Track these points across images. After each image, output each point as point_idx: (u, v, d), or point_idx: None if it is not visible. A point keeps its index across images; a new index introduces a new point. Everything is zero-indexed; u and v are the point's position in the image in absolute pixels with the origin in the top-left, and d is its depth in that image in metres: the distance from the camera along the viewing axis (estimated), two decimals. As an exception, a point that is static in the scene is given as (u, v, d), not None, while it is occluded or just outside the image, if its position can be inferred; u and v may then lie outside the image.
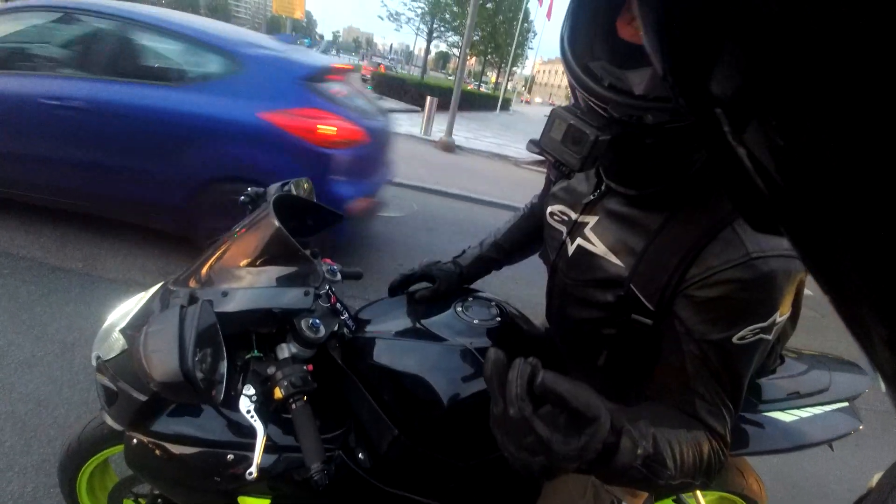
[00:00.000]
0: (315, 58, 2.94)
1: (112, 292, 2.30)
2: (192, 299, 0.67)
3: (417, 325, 0.88)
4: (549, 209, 0.84)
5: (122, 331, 0.77)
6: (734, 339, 0.56)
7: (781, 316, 0.56)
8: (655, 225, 0.63)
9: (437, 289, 0.97)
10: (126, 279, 2.47)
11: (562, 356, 0.89)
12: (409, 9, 22.70)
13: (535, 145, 0.58)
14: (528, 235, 1.08)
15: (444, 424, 0.80)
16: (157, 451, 0.80)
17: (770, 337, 0.57)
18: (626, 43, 0.54)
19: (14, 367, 1.78)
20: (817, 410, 0.99)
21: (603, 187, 0.72)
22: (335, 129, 2.52)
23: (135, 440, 0.81)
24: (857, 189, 0.13)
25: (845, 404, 1.03)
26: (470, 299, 0.95)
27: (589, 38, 0.57)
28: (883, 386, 0.18)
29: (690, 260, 0.58)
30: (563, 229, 0.79)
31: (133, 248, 2.80)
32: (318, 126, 2.48)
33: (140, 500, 1.14)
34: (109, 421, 0.83)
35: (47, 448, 1.49)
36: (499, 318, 0.91)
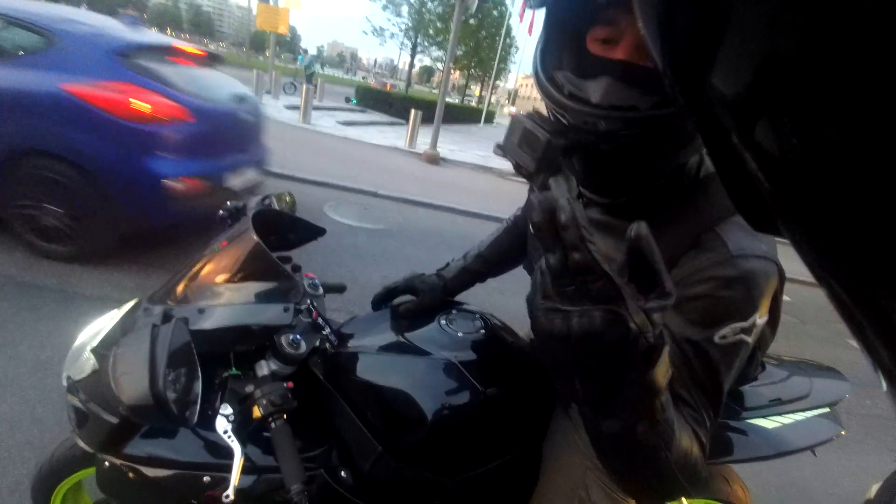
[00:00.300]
0: (140, 34, 2.89)
1: (88, 309, 2.23)
2: (166, 317, 0.66)
3: (401, 340, 0.87)
4: (530, 219, 0.84)
5: (93, 350, 0.74)
6: (716, 339, 0.56)
7: (761, 318, 0.57)
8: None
9: (421, 302, 0.96)
10: (101, 295, 2.40)
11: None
12: (394, 24, 23.01)
13: (499, 149, 0.60)
14: (512, 247, 1.09)
15: (430, 440, 0.79)
16: (131, 474, 0.77)
17: (751, 339, 0.58)
18: (593, 55, 0.57)
19: None
20: (799, 417, 1.00)
21: (583, 199, 0.73)
22: (150, 105, 2.49)
23: (106, 463, 0.77)
24: (871, 187, 0.13)
25: (826, 410, 1.05)
26: (454, 312, 0.94)
27: (558, 49, 0.60)
28: (885, 385, 0.18)
29: (672, 265, 0.59)
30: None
31: (109, 263, 2.72)
32: (131, 100, 2.45)
33: (115, 523, 1.09)
34: (81, 443, 0.79)
35: (21, 469, 1.43)
36: (483, 331, 0.90)
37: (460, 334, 0.87)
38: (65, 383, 0.80)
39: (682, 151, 0.59)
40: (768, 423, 0.97)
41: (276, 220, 0.91)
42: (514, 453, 0.85)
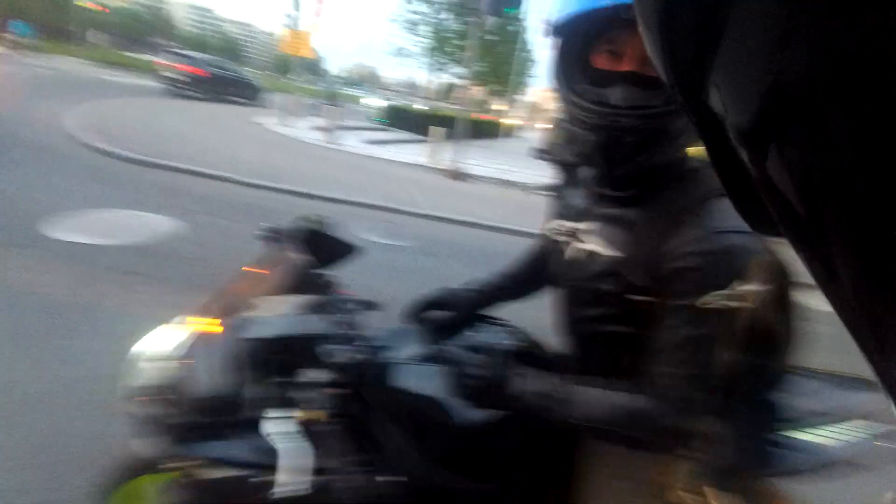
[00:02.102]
0: None
1: (124, 326, 2.35)
2: (219, 328, 0.71)
3: (433, 351, 0.90)
4: (549, 226, 0.91)
5: (149, 360, 0.80)
6: (697, 304, 0.63)
7: (747, 287, 0.61)
8: (635, 218, 0.74)
9: (453, 316, 1.00)
10: (142, 313, 2.52)
11: (577, 374, 0.91)
12: (413, 44, 23.52)
13: (539, 152, 0.69)
14: (542, 266, 1.11)
15: (464, 447, 0.82)
16: (187, 477, 0.82)
17: (736, 305, 0.61)
18: (603, 69, 0.68)
19: (19, 403, 1.80)
20: (836, 429, 0.98)
21: (592, 197, 0.82)
22: None
23: (164, 467, 0.83)
24: (874, 189, 0.13)
25: (865, 422, 1.02)
26: (483, 326, 0.97)
27: (572, 68, 0.71)
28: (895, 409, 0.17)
29: (663, 242, 0.68)
30: (561, 238, 0.87)
31: (143, 283, 2.87)
32: None
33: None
34: (139, 450, 0.85)
35: (74, 481, 1.48)
36: (513, 344, 0.93)
37: (493, 344, 0.91)
38: (122, 392, 0.87)
39: (677, 143, 0.70)
40: (805, 436, 0.95)
41: (310, 240, 0.97)
42: (550, 460, 0.87)
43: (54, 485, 1.50)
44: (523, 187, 8.90)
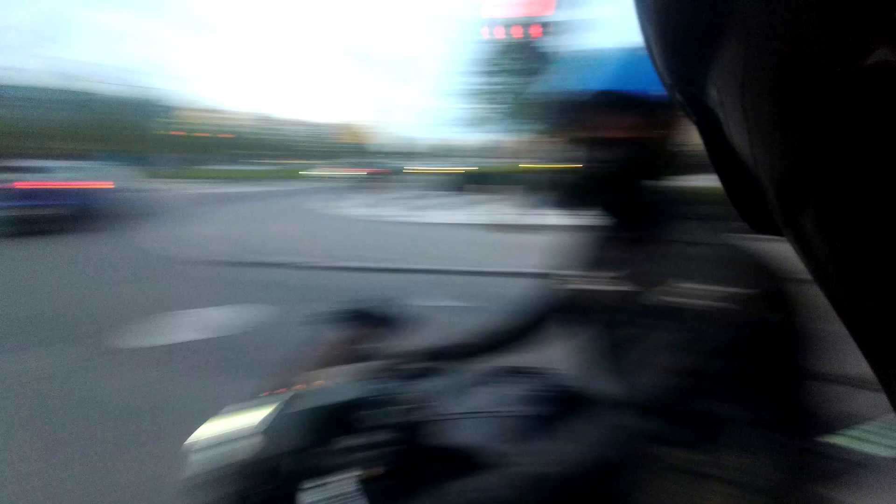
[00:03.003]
0: None
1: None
2: (277, 404, 0.75)
3: (480, 403, 0.89)
4: (576, 275, 0.92)
5: (207, 448, 0.81)
6: (681, 304, 0.64)
7: (731, 287, 0.61)
8: (653, 251, 0.75)
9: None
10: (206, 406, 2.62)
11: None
12: (462, 111, 24.44)
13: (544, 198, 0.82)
14: (548, 314, 1.09)
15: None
16: None
17: (720, 306, 0.61)
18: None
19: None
20: (878, 432, 0.84)
21: (610, 241, 0.84)
22: None
23: None
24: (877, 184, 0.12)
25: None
26: (526, 375, 0.96)
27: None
28: None
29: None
30: (599, 287, 0.85)
31: (223, 375, 3.00)
32: None
33: None
34: None
35: None
36: (559, 391, 0.89)
37: (552, 394, 0.88)
38: (184, 480, 0.87)
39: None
40: (847, 442, 0.83)
41: (377, 316, 1.02)
42: None
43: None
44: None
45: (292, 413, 0.73)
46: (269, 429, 0.64)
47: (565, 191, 0.78)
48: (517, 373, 0.98)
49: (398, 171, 18.89)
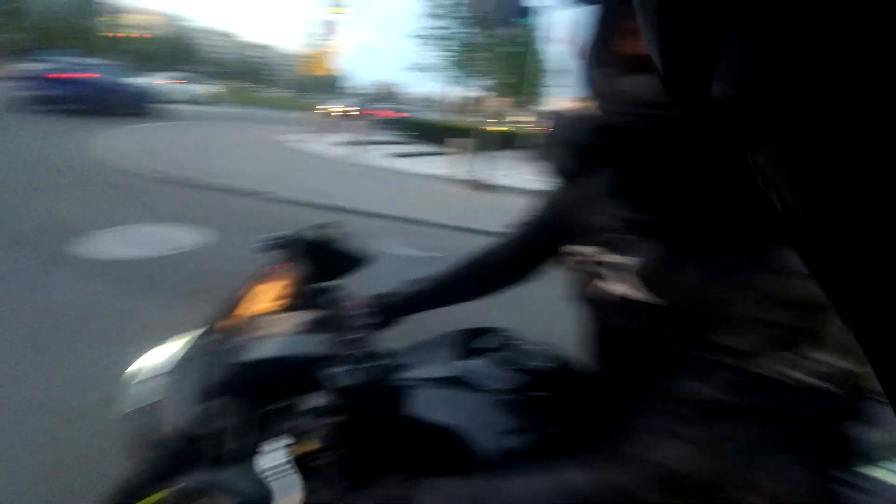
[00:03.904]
0: None
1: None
2: (212, 350, 0.65)
3: (455, 373, 0.81)
4: (573, 248, 0.78)
5: (143, 382, 0.74)
6: (747, 366, 0.50)
7: (827, 357, 0.49)
8: (675, 254, 0.59)
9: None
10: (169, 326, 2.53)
11: (618, 399, 0.81)
12: (432, 58, 23.70)
13: (540, 154, 0.60)
14: (479, 276, 1.02)
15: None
16: None
17: (804, 379, 0.49)
18: (627, 53, 0.55)
19: (72, 412, 1.84)
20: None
21: (615, 220, 0.66)
22: None
23: (162, 493, 0.76)
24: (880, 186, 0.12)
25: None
26: (515, 341, 0.88)
27: (594, 49, 0.59)
28: None
29: (714, 284, 0.54)
30: (586, 270, 0.72)
31: (176, 295, 2.88)
32: None
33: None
34: (129, 473, 0.79)
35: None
36: (547, 364, 0.83)
37: (523, 367, 0.81)
38: (120, 411, 0.81)
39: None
40: (889, 475, 0.82)
41: (326, 248, 0.90)
42: None
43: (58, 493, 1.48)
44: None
45: (228, 363, 0.64)
46: (199, 376, 0.56)
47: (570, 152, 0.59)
48: (500, 341, 0.89)
49: (362, 112, 18.16)
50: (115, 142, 7.80)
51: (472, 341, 0.90)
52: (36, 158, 6.15)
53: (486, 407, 0.75)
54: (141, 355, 0.89)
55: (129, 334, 2.43)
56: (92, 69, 11.33)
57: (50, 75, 10.44)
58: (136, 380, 0.80)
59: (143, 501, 0.99)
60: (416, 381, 0.80)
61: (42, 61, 10.98)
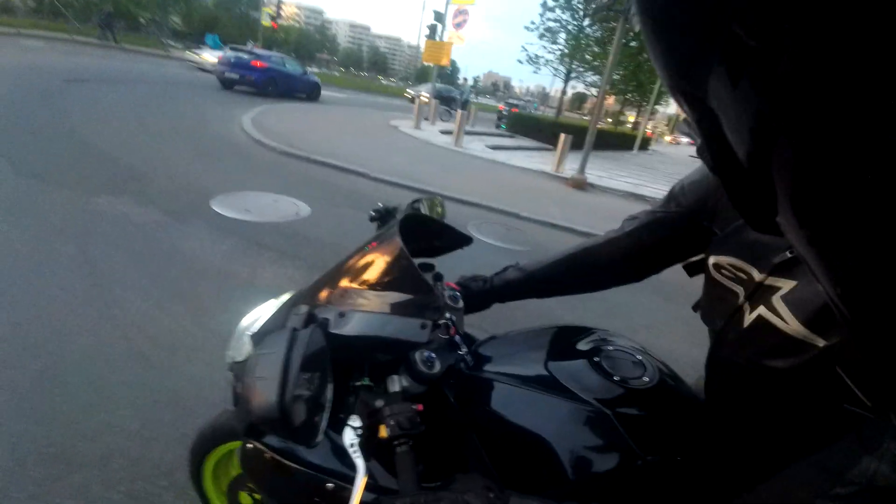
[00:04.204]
0: None
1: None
2: (309, 319, 0.66)
3: (544, 372, 0.75)
4: (716, 260, 0.67)
5: (251, 336, 0.79)
6: None
7: None
8: None
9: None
10: (278, 285, 2.79)
11: (723, 433, 0.69)
12: (549, 51, 23.10)
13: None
14: (584, 271, 0.92)
15: (567, 501, 0.65)
16: (267, 462, 0.79)
17: None
18: None
19: (184, 352, 2.10)
20: None
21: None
22: None
23: (249, 445, 0.81)
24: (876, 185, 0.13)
25: None
26: (610, 348, 0.79)
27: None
28: None
29: None
30: (740, 291, 0.62)
31: (287, 259, 3.16)
32: None
33: (255, 495, 1.17)
34: (234, 420, 0.86)
35: (194, 426, 1.67)
36: (646, 378, 0.73)
37: (616, 378, 0.72)
38: (227, 361, 0.88)
39: None
40: None
41: (424, 225, 0.89)
42: None
43: (177, 422, 1.69)
44: (651, 201, 8.07)
45: (324, 333, 0.64)
46: (298, 342, 0.57)
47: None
48: (597, 343, 0.81)
49: (466, 104, 18.36)
50: (263, 119, 8.78)
51: (569, 340, 0.83)
52: (194, 128, 7.16)
53: (575, 418, 0.69)
54: (251, 309, 0.96)
55: (243, 289, 2.72)
56: (268, 59, 14.06)
57: (252, 62, 13.22)
58: (243, 333, 0.86)
59: (223, 446, 1.08)
60: (506, 376, 0.76)
61: (238, 50, 13.85)
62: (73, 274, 2.57)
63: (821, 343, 0.50)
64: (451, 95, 20.63)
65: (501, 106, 19.10)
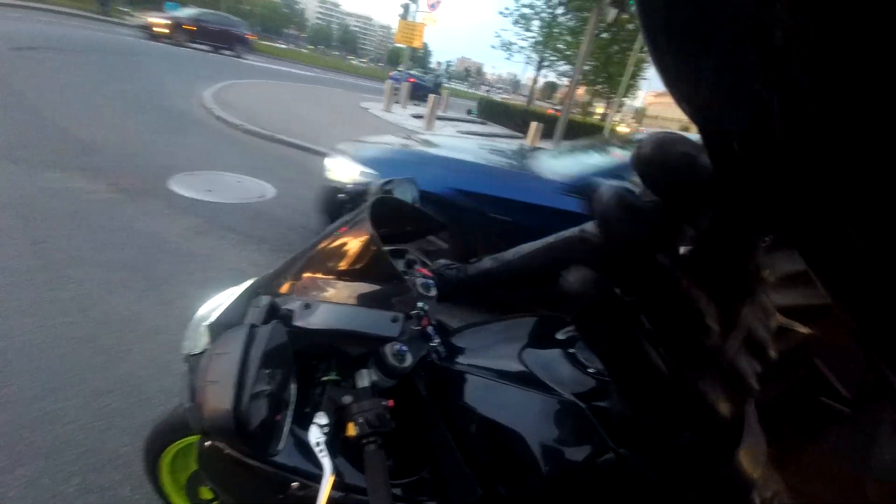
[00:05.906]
0: None
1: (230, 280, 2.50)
2: (270, 311, 0.62)
3: (519, 365, 0.74)
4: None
5: (208, 327, 0.74)
6: None
7: None
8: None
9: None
10: (241, 268, 2.68)
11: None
12: (522, 38, 23.02)
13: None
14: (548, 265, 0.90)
15: (540, 496, 0.65)
16: (227, 460, 0.75)
17: None
18: None
19: (137, 335, 1.99)
20: None
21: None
22: None
23: (207, 442, 0.77)
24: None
25: None
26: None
27: None
28: None
29: None
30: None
31: (252, 242, 3.04)
32: None
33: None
34: (184, 413, 0.80)
35: (149, 415, 1.58)
36: None
37: (591, 370, 0.72)
38: (183, 353, 0.82)
39: None
40: None
41: (396, 209, 0.85)
42: None
43: (132, 412, 1.60)
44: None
45: (291, 327, 0.61)
46: (260, 334, 0.53)
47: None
48: (574, 334, 0.79)
49: (438, 87, 18.00)
50: (225, 95, 8.35)
51: (545, 330, 0.81)
52: (152, 101, 6.74)
53: (549, 411, 0.68)
54: (210, 296, 0.90)
55: (203, 272, 2.59)
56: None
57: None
58: (200, 324, 0.80)
59: (180, 441, 1.02)
60: (479, 368, 0.74)
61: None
62: (18, 252, 2.38)
63: (803, 330, 0.50)
64: (422, 83, 19.82)
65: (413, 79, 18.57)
